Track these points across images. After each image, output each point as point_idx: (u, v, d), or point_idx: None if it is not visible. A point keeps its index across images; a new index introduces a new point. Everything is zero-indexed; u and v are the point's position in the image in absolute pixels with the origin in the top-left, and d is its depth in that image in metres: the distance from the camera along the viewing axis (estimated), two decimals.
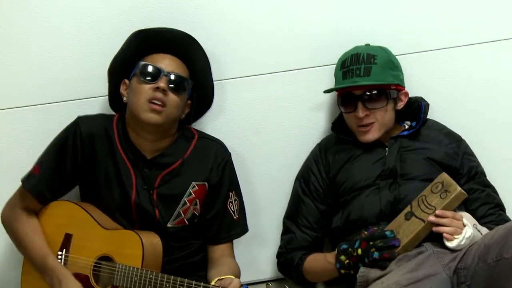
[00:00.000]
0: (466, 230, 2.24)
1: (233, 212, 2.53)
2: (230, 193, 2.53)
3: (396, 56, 2.58)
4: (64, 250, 2.40)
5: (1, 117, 2.64)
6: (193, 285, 2.16)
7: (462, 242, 2.23)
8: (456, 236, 2.24)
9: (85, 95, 2.65)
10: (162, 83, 2.36)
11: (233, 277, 2.21)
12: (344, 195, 2.51)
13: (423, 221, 2.27)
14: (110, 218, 2.42)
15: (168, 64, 2.42)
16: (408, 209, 2.33)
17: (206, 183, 2.49)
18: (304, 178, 2.62)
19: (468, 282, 2.19)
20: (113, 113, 2.55)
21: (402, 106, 2.55)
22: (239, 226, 2.56)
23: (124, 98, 2.45)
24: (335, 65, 2.59)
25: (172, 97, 2.38)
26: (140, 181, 2.43)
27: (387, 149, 2.52)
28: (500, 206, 2.54)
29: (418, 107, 2.59)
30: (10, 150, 2.65)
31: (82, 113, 2.57)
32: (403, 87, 2.55)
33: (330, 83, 2.60)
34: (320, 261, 2.44)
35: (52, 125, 2.57)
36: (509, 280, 2.08)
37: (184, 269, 2.42)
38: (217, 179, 2.49)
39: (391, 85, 2.49)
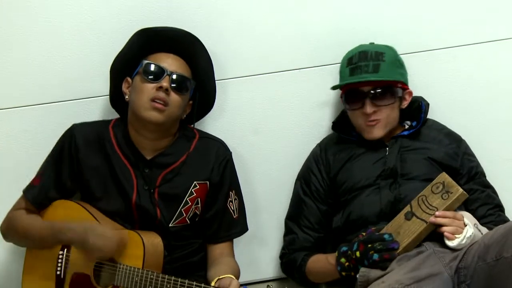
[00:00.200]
0: (467, 230, 2.25)
1: (233, 211, 2.53)
2: (230, 192, 2.53)
3: (399, 55, 2.59)
4: (65, 249, 2.39)
5: (0, 117, 2.64)
6: (193, 286, 2.16)
7: (463, 242, 2.23)
8: (457, 236, 2.24)
9: (85, 95, 2.65)
10: (165, 83, 2.36)
11: (232, 276, 2.21)
12: (344, 194, 2.51)
13: (425, 222, 2.27)
14: (111, 220, 2.42)
15: (171, 63, 2.42)
16: (408, 208, 2.33)
17: (208, 182, 2.49)
18: (304, 179, 2.62)
19: (468, 282, 2.19)
20: (114, 111, 2.56)
21: (406, 105, 2.56)
22: (239, 225, 2.56)
23: (126, 97, 2.45)
24: (335, 65, 2.60)
25: (174, 97, 2.38)
26: (141, 182, 2.43)
27: (387, 148, 2.52)
28: (500, 207, 2.54)
29: (418, 106, 2.59)
30: (9, 150, 2.65)
31: (82, 113, 2.60)
32: (408, 86, 2.56)
33: (331, 82, 2.60)
34: (322, 262, 2.44)
35: (52, 125, 2.58)
36: (509, 279, 2.08)
37: (184, 269, 2.42)
38: (218, 178, 2.50)
39: (398, 82, 2.50)
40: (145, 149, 2.44)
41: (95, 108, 2.64)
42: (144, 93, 2.36)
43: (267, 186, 2.75)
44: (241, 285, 2.18)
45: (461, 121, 2.69)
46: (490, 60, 2.74)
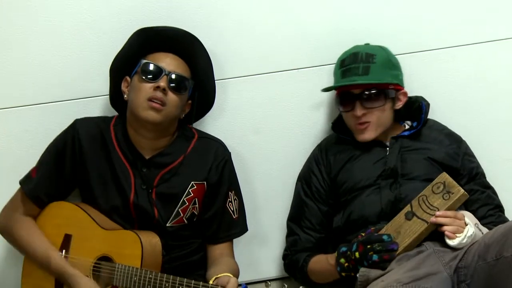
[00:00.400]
0: (468, 229, 2.25)
1: (233, 211, 2.53)
2: (230, 192, 2.53)
3: (396, 56, 2.59)
4: (63, 250, 2.40)
5: (0, 116, 2.64)
6: (192, 285, 2.16)
7: (464, 241, 2.23)
8: (458, 235, 2.24)
9: (85, 95, 2.65)
10: (162, 83, 2.36)
11: (229, 274, 2.21)
12: (345, 195, 2.51)
13: (426, 222, 2.27)
14: (109, 218, 2.42)
15: (170, 63, 2.42)
16: (408, 208, 2.33)
17: (205, 182, 2.48)
18: (305, 179, 2.62)
19: (468, 281, 2.19)
20: (114, 111, 2.56)
21: (400, 105, 2.55)
22: (238, 226, 2.56)
23: (125, 96, 2.45)
24: (335, 65, 2.59)
25: (172, 97, 2.38)
26: (139, 181, 2.43)
27: (388, 149, 2.52)
28: (500, 208, 2.54)
29: (418, 107, 2.59)
30: (9, 149, 2.65)
31: (82, 113, 2.59)
32: (402, 87, 2.55)
33: (330, 82, 2.60)
34: (322, 263, 2.44)
35: (52, 125, 2.58)
36: (509, 279, 2.08)
37: (184, 268, 2.42)
38: (216, 178, 2.49)
39: (390, 84, 2.49)
40: (144, 148, 2.44)
41: (95, 107, 2.64)
42: (141, 93, 2.36)
43: (267, 186, 2.75)
44: (240, 284, 2.18)
45: (460, 121, 2.69)
46: (489, 60, 2.74)
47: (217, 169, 2.50)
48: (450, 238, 2.24)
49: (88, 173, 2.43)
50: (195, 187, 2.46)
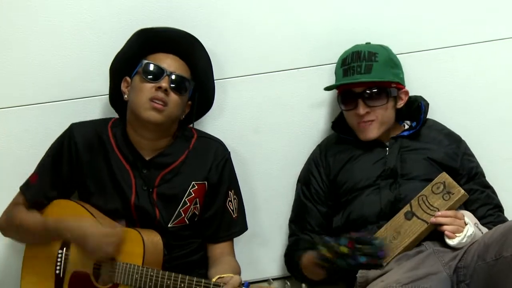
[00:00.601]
0: (467, 229, 2.25)
1: (232, 210, 2.53)
2: (229, 191, 2.53)
3: (396, 56, 2.58)
4: (64, 248, 2.39)
5: (0, 116, 2.63)
6: (194, 282, 2.16)
7: (464, 240, 2.23)
8: (457, 234, 2.24)
9: (85, 95, 2.65)
10: (164, 83, 2.36)
11: (232, 275, 2.20)
12: (345, 195, 2.51)
13: (426, 222, 2.27)
14: (110, 219, 2.42)
15: (171, 64, 2.42)
16: (407, 208, 2.33)
17: (206, 182, 2.48)
18: (304, 181, 2.62)
19: (468, 281, 2.20)
20: (114, 111, 2.56)
21: (402, 104, 2.56)
22: (238, 225, 2.56)
23: (125, 96, 2.45)
24: (335, 65, 2.59)
25: (173, 97, 2.38)
26: (139, 182, 2.42)
27: (387, 149, 2.52)
28: (499, 207, 2.54)
29: (418, 107, 2.59)
30: (9, 149, 2.65)
31: (81, 112, 2.60)
32: (403, 86, 2.56)
33: (330, 82, 2.60)
34: (309, 256, 2.39)
35: (52, 125, 2.58)
36: (508, 279, 2.08)
37: (184, 267, 2.40)
38: (217, 178, 2.49)
39: (392, 83, 2.50)
40: (144, 149, 2.44)
41: (95, 107, 2.64)
42: (143, 93, 2.36)
43: (267, 185, 2.75)
44: (243, 282, 2.18)
45: (460, 120, 2.70)
46: (488, 59, 2.75)
47: (217, 168, 2.50)
48: (449, 237, 2.24)
49: (87, 177, 2.43)
50: (196, 187, 2.46)
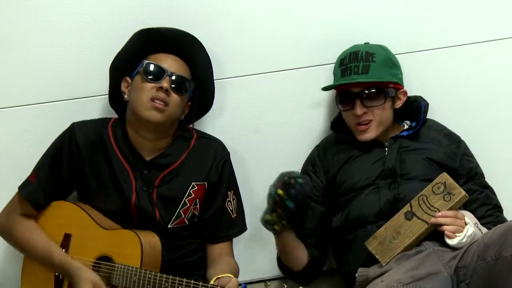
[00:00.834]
0: (467, 228, 2.25)
1: (232, 211, 2.53)
2: (229, 192, 2.53)
3: (396, 56, 2.59)
4: (63, 250, 2.39)
5: (0, 116, 2.64)
6: (191, 285, 2.16)
7: (464, 240, 2.23)
8: (457, 234, 2.24)
9: (85, 94, 2.65)
10: (165, 83, 2.36)
11: (231, 275, 2.21)
12: (344, 195, 2.50)
13: (426, 223, 2.27)
14: (109, 219, 2.43)
15: (171, 64, 2.42)
16: (407, 208, 2.33)
17: (206, 183, 2.49)
18: None
19: (468, 281, 2.20)
20: (113, 112, 2.56)
21: (400, 105, 2.55)
22: (237, 225, 2.56)
23: (125, 96, 2.45)
24: (334, 64, 2.59)
25: (174, 97, 2.39)
26: (140, 183, 2.43)
27: (386, 149, 2.52)
28: (498, 208, 2.53)
29: (417, 107, 2.59)
30: (9, 149, 2.65)
31: (81, 112, 2.59)
32: (402, 86, 2.56)
33: (330, 82, 2.60)
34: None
35: (52, 125, 2.58)
36: (508, 278, 2.08)
37: (183, 268, 2.42)
38: (216, 178, 2.50)
39: (389, 83, 2.50)
40: (144, 149, 2.44)
41: (95, 107, 2.64)
42: (144, 93, 2.37)
43: (267, 185, 2.66)
44: (240, 284, 2.18)
45: (460, 120, 2.70)
46: (488, 59, 2.74)
47: (217, 169, 2.50)
48: (449, 237, 2.24)
49: (87, 176, 2.43)
50: (196, 187, 2.47)
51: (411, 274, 2.14)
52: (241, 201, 2.59)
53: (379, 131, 2.50)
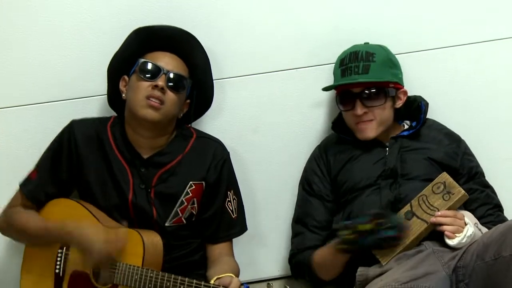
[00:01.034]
0: (467, 229, 2.25)
1: (232, 211, 2.53)
2: (228, 192, 2.53)
3: (396, 55, 2.59)
4: (64, 248, 2.39)
5: (0, 116, 2.63)
6: (193, 284, 2.16)
7: (463, 240, 2.23)
8: (457, 234, 2.24)
9: (85, 94, 2.65)
10: (160, 81, 2.36)
11: (232, 275, 2.21)
12: (345, 195, 2.51)
13: (426, 222, 2.27)
14: (110, 218, 2.42)
15: (168, 62, 2.42)
16: (408, 208, 2.33)
17: (204, 182, 2.48)
18: (307, 180, 2.62)
19: (467, 280, 2.20)
20: (112, 111, 2.56)
21: (401, 104, 2.56)
22: (237, 225, 2.55)
23: (123, 95, 2.45)
24: (334, 64, 2.59)
25: (170, 95, 2.38)
26: (137, 181, 2.43)
27: (387, 149, 2.52)
28: (499, 207, 2.54)
29: (418, 107, 2.59)
30: (9, 149, 2.65)
31: (81, 112, 2.59)
32: (402, 86, 2.56)
33: (329, 82, 2.60)
34: (325, 250, 2.43)
35: (51, 124, 2.57)
36: (507, 278, 2.08)
37: (183, 268, 2.41)
38: (215, 178, 2.49)
39: (390, 83, 2.50)
40: (142, 147, 2.44)
41: (94, 107, 2.64)
42: (140, 91, 2.37)
43: (266, 185, 2.76)
44: (242, 283, 2.18)
45: (460, 120, 2.70)
46: (488, 59, 2.75)
47: (215, 168, 2.50)
48: (449, 238, 2.24)
49: (86, 173, 2.43)
50: (194, 187, 2.46)
51: (410, 274, 2.14)
52: (242, 201, 2.59)
53: (379, 130, 2.50)
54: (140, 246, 2.28)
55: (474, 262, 2.18)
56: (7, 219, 2.45)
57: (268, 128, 2.75)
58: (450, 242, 2.24)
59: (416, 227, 2.28)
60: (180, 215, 2.45)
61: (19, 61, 2.62)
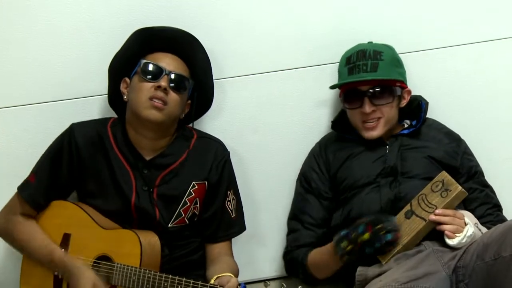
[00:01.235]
0: (467, 229, 2.25)
1: (231, 211, 2.53)
2: (228, 192, 2.53)
3: (398, 54, 2.59)
4: (63, 250, 2.39)
5: (0, 116, 2.64)
6: (191, 284, 2.16)
7: (463, 240, 2.23)
8: (457, 234, 2.24)
9: (84, 94, 2.65)
10: (163, 82, 2.36)
11: (231, 274, 2.21)
12: (344, 192, 2.51)
13: (424, 220, 2.27)
14: (109, 219, 2.42)
15: (170, 63, 2.42)
16: (408, 207, 2.33)
17: (206, 182, 2.49)
18: (305, 176, 2.62)
19: (467, 280, 2.20)
20: (112, 112, 2.56)
21: (405, 104, 2.56)
22: (237, 225, 2.56)
23: (124, 97, 2.45)
24: (334, 64, 2.61)
25: (173, 96, 2.38)
26: (140, 183, 2.42)
27: (387, 147, 2.52)
28: (498, 207, 2.54)
29: (418, 105, 2.59)
30: (9, 149, 2.65)
31: (81, 112, 2.59)
32: (406, 85, 2.56)
33: (330, 81, 2.61)
34: (322, 253, 2.43)
35: (51, 124, 2.58)
36: (507, 278, 2.08)
37: (183, 267, 2.42)
38: (216, 178, 2.49)
39: (397, 81, 2.50)
40: (144, 149, 2.44)
41: (94, 107, 2.64)
42: (142, 92, 2.37)
43: (266, 185, 2.75)
44: (240, 283, 2.18)
45: (460, 119, 2.70)
46: (488, 59, 2.75)
47: (217, 168, 2.50)
48: (449, 237, 2.24)
49: (87, 176, 2.43)
50: (196, 187, 2.46)
51: (409, 274, 2.14)
52: (241, 200, 2.59)
53: (385, 129, 2.51)
54: (138, 247, 2.28)
55: (474, 262, 2.18)
56: (6, 226, 2.45)
57: (268, 128, 2.74)
58: (450, 242, 2.24)
59: (414, 225, 2.28)
60: (183, 215, 2.45)
61: (18, 61, 2.62)
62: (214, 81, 2.59)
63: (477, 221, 2.35)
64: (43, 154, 2.48)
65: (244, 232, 2.59)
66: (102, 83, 2.54)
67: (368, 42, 2.58)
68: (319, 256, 2.44)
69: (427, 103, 2.60)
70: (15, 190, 2.47)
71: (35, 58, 2.62)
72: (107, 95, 2.55)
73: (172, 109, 2.39)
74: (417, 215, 2.29)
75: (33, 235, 2.41)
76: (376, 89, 2.46)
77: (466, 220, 2.27)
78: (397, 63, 2.54)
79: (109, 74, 2.51)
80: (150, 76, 2.38)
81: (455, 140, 2.58)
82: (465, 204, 2.44)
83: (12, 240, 2.46)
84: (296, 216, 2.61)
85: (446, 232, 2.24)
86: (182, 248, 2.47)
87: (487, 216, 2.48)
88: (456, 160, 2.52)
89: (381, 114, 2.48)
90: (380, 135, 2.50)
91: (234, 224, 2.55)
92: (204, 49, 2.54)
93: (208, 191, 2.49)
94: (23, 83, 2.63)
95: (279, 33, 2.70)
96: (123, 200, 2.41)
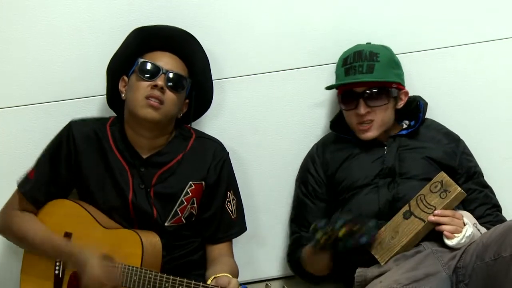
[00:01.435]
0: (466, 229, 2.25)
1: (231, 211, 2.53)
2: (228, 192, 2.52)
3: (396, 55, 2.58)
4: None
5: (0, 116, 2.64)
6: (192, 285, 2.16)
7: (462, 241, 2.23)
8: (456, 235, 2.24)
9: (84, 94, 2.65)
10: (160, 81, 2.36)
11: (229, 275, 2.21)
12: (342, 193, 2.51)
13: (423, 220, 2.27)
14: (109, 217, 2.42)
15: (167, 62, 2.42)
16: (406, 208, 2.33)
17: (203, 182, 2.48)
18: (302, 179, 2.63)
19: (466, 281, 2.20)
20: (112, 111, 2.56)
21: (402, 105, 2.56)
22: (237, 226, 2.55)
23: (123, 95, 2.45)
24: (334, 65, 2.60)
25: (169, 95, 2.38)
26: (137, 181, 2.42)
27: (386, 148, 2.52)
28: (497, 207, 2.54)
29: (416, 106, 2.59)
30: (9, 149, 2.65)
31: (80, 112, 2.59)
32: (404, 87, 2.55)
33: (330, 82, 2.60)
34: (307, 248, 2.43)
35: (51, 124, 2.57)
36: (507, 278, 2.08)
37: (184, 267, 2.42)
38: (215, 178, 2.49)
39: (393, 83, 2.50)
40: (142, 147, 2.44)
41: (94, 107, 2.64)
42: (139, 91, 2.37)
43: (266, 186, 2.75)
44: (241, 284, 2.18)
45: (460, 120, 2.70)
46: (488, 59, 2.75)
47: (215, 169, 2.50)
48: (448, 238, 2.24)
49: (85, 173, 2.43)
50: (193, 186, 2.46)
51: (410, 275, 2.14)
52: (241, 201, 2.59)
53: (380, 131, 2.50)
54: (139, 247, 2.28)
55: (474, 262, 2.18)
56: (5, 221, 2.45)
57: (268, 128, 2.74)
58: (449, 242, 2.25)
59: (413, 226, 2.28)
60: (180, 215, 2.45)
61: (18, 61, 2.62)
62: (214, 81, 2.58)
63: (476, 221, 2.35)
64: (43, 151, 2.48)
65: (245, 233, 2.58)
66: (102, 83, 2.54)
67: (366, 43, 2.58)
68: (307, 249, 2.44)
69: (425, 104, 2.60)
70: (14, 190, 2.47)
71: (35, 58, 2.61)
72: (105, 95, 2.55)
73: (169, 108, 2.39)
74: (416, 216, 2.29)
75: (32, 226, 2.40)
76: (371, 91, 2.46)
77: (465, 220, 2.27)
78: (394, 64, 2.54)
79: (107, 73, 2.51)
80: (147, 75, 2.38)
81: (454, 141, 2.58)
82: (464, 205, 2.43)
83: (11, 233, 2.45)
84: (295, 220, 2.62)
85: (445, 232, 2.24)
86: (182, 248, 2.47)
87: (487, 216, 2.48)
88: (455, 161, 2.52)
89: (375, 116, 2.48)
90: (375, 136, 2.50)
91: (234, 225, 2.54)
92: (202, 48, 2.53)
93: (206, 191, 2.49)
94: (23, 83, 2.63)
95: (279, 33, 2.70)
96: (120, 197, 2.41)
